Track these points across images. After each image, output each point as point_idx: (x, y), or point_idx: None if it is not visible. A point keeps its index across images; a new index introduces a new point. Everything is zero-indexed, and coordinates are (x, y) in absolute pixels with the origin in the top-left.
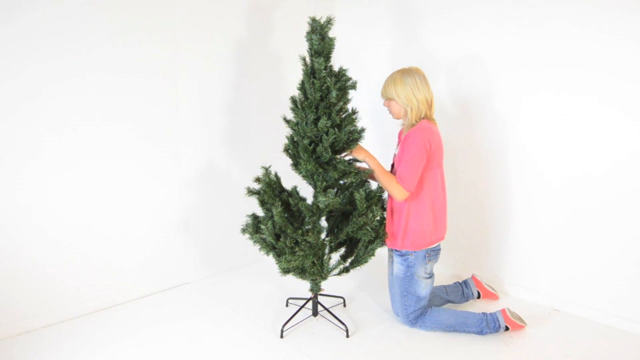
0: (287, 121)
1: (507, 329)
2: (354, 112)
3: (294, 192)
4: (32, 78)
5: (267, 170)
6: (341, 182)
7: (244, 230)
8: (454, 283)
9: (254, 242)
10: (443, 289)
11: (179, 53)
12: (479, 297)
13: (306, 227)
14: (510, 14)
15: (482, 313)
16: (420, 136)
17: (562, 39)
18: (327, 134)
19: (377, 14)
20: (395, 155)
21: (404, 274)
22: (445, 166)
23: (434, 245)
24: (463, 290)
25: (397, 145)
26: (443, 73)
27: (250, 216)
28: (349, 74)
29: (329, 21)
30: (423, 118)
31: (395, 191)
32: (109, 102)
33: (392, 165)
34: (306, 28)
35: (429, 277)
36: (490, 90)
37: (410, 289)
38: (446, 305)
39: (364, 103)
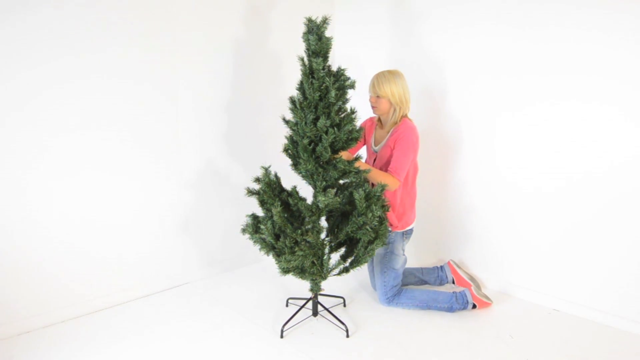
0: (287, 121)
1: (474, 306)
2: (352, 111)
3: (293, 192)
4: (34, 81)
5: (266, 170)
6: (341, 181)
7: (244, 230)
8: (433, 267)
9: (254, 242)
10: (419, 270)
11: (178, 54)
12: (454, 282)
13: (306, 227)
14: (509, 15)
15: (452, 292)
16: (413, 134)
17: (564, 41)
18: (326, 133)
19: (376, 15)
20: (376, 151)
21: (384, 251)
22: (450, 165)
23: (411, 226)
24: (438, 274)
25: (372, 137)
26: (442, 72)
27: (250, 216)
28: (348, 73)
29: (324, 21)
30: (404, 116)
31: (391, 183)
32: (109, 104)
33: (373, 159)
34: (304, 29)
35: (403, 254)
36: (490, 90)
37: (389, 264)
38: (421, 286)
39: (364, 103)
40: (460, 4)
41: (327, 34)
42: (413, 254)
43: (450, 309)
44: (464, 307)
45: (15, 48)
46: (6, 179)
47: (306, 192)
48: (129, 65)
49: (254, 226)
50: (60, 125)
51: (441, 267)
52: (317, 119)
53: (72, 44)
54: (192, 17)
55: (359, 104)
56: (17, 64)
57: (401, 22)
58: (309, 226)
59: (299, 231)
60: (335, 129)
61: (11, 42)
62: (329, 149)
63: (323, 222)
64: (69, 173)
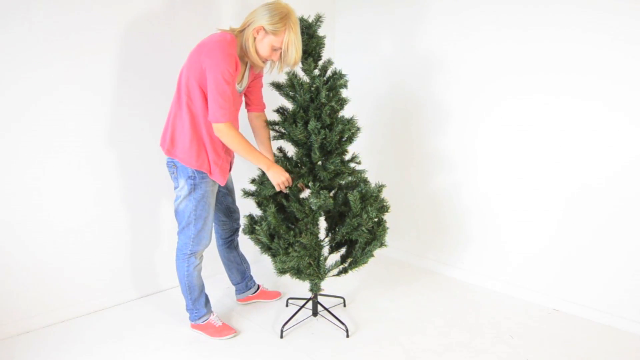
0: (277, 123)
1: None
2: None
3: (290, 194)
4: (42, 81)
5: (263, 171)
6: (341, 182)
7: (244, 231)
8: (248, 274)
9: (255, 243)
10: (247, 263)
11: (177, 53)
12: (256, 291)
13: (300, 228)
14: (509, 18)
15: (195, 303)
16: None
17: (561, 41)
18: (316, 134)
19: (377, 17)
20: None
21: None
22: (450, 166)
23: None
24: (246, 283)
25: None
26: (443, 73)
27: (247, 217)
28: (345, 73)
29: (318, 18)
30: None
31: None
32: (106, 105)
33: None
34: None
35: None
36: (490, 92)
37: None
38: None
39: (365, 104)
40: (460, 7)
41: (329, 37)
42: (413, 255)
43: (187, 306)
44: (196, 317)
45: (18, 51)
46: (7, 181)
47: (305, 192)
48: (128, 66)
49: (250, 227)
50: (58, 128)
51: (253, 281)
52: (307, 122)
53: (72, 47)
54: (191, 15)
55: (358, 104)
56: (17, 68)
57: (401, 23)
58: (304, 227)
59: (292, 232)
60: (327, 130)
61: (24, 41)
62: (319, 151)
63: (323, 222)
64: (69, 176)
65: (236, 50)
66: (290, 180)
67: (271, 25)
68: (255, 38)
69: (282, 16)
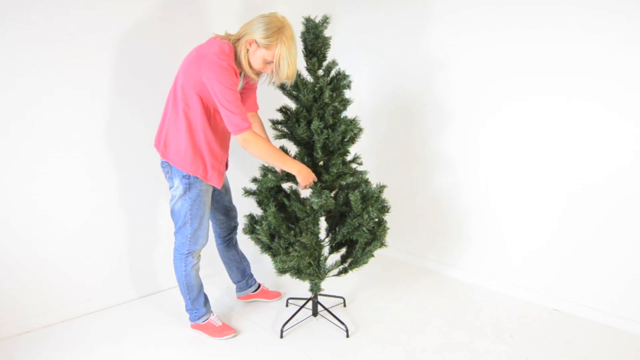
0: (281, 122)
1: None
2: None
3: (291, 193)
4: (41, 82)
5: (264, 171)
6: (342, 182)
7: (244, 230)
8: (249, 274)
9: (255, 242)
10: (247, 262)
11: (174, 54)
12: (256, 289)
13: (301, 227)
14: (509, 18)
15: (194, 303)
16: None
17: (563, 42)
18: (319, 134)
19: (378, 18)
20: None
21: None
22: (450, 167)
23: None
24: (247, 281)
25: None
26: (444, 73)
27: (247, 216)
28: (349, 74)
29: (325, 19)
30: None
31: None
32: (104, 106)
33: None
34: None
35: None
36: (491, 94)
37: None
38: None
39: (365, 104)
40: (461, 7)
41: (325, 33)
42: (413, 255)
43: (186, 307)
44: (196, 317)
45: (20, 50)
46: (6, 180)
47: (306, 191)
48: (130, 67)
49: (250, 226)
50: (56, 129)
51: (253, 279)
52: (310, 121)
53: (71, 48)
54: (192, 17)
55: (358, 104)
56: (19, 67)
57: (403, 24)
58: (304, 227)
59: (293, 232)
60: (329, 130)
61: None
62: (321, 151)
63: (323, 223)
64: (68, 177)
65: (234, 60)
66: (315, 178)
67: (264, 39)
68: (248, 50)
69: (275, 30)
